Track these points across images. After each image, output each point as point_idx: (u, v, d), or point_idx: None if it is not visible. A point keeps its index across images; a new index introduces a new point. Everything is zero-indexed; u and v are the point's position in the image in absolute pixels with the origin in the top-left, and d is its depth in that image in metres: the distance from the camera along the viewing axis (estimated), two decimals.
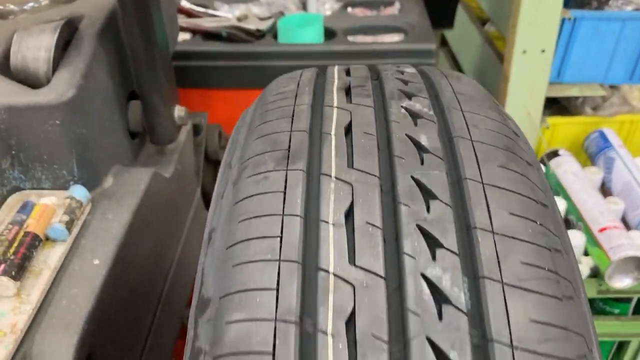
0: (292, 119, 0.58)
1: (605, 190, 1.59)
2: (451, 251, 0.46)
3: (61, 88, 0.75)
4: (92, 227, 0.76)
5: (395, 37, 1.42)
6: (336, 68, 0.71)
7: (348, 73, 0.68)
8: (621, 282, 1.34)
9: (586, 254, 1.40)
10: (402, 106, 0.58)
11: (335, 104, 0.60)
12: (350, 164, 0.52)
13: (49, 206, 0.75)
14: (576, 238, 1.40)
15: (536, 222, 0.48)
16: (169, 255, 0.96)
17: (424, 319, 0.42)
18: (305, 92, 0.63)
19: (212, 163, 1.35)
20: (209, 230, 0.55)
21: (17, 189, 0.80)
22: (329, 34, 1.48)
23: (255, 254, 0.46)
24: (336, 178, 0.50)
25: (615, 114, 1.71)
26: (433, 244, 0.46)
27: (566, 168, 1.55)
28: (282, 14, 1.62)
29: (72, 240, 0.73)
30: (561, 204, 1.48)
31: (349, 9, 1.66)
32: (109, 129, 0.86)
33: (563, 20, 1.53)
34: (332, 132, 0.56)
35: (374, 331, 0.42)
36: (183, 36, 1.50)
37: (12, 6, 0.94)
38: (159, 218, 0.89)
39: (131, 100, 0.94)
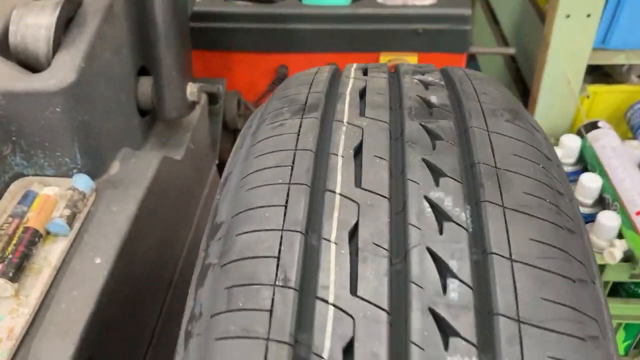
0: (311, 85, 0.62)
1: None
2: (454, 179, 0.48)
3: (61, 73, 0.71)
4: (96, 221, 0.72)
5: (427, 0, 1.32)
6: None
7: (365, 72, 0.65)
8: None
9: (620, 236, 1.33)
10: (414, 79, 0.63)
11: (352, 75, 0.64)
12: (362, 114, 0.56)
13: (50, 197, 0.72)
14: (610, 219, 1.33)
15: (539, 165, 0.52)
16: (180, 239, 0.93)
17: (425, 233, 0.44)
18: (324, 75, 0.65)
19: (231, 132, 1.30)
20: (226, 174, 0.58)
21: (20, 175, 0.77)
22: None
23: (267, 180, 0.49)
24: (348, 123, 0.54)
25: None
26: (437, 174, 0.48)
27: (605, 142, 1.46)
28: None
29: (74, 236, 0.70)
30: (596, 181, 1.40)
31: None
32: (116, 110, 0.81)
33: None
34: (347, 93, 0.60)
35: (375, 241, 0.43)
36: None
37: None
38: (169, 204, 0.86)
39: (141, 76, 0.89)
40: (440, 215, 0.46)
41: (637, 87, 1.60)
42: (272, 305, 0.40)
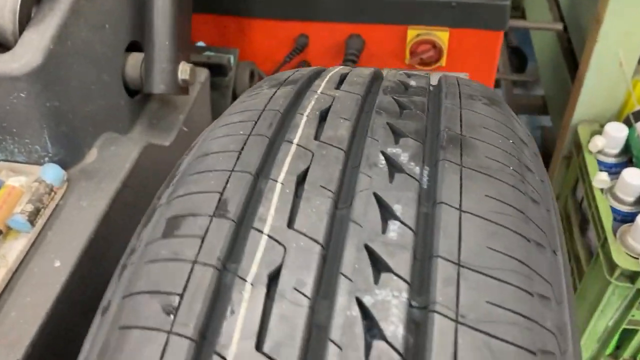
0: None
1: None
2: (414, 139, 0.49)
3: (26, 55, 0.64)
4: (62, 217, 0.67)
5: None
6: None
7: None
8: None
9: None
10: None
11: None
12: (337, 87, 0.58)
13: (15, 189, 0.67)
14: None
15: (508, 140, 0.52)
16: None
17: (375, 180, 0.44)
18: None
19: None
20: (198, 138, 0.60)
21: None
22: None
23: (229, 132, 0.52)
24: (321, 92, 0.56)
25: None
26: (398, 135, 0.49)
27: None
28: None
29: (37, 234, 0.65)
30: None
31: None
32: (96, 92, 0.74)
33: None
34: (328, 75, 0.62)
35: (322, 184, 0.44)
36: None
37: None
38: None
39: (130, 52, 0.81)
40: (394, 168, 0.46)
41: None
42: (205, 233, 0.41)
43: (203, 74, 0.94)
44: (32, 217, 0.65)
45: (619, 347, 1.44)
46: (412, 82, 0.60)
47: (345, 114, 0.52)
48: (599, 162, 1.39)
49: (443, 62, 1.21)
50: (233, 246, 0.41)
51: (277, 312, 0.37)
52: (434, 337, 0.35)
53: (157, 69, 0.80)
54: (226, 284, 0.39)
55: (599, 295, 1.34)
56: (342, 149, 0.48)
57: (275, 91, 0.57)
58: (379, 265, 0.39)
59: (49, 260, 0.63)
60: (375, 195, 0.43)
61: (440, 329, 0.36)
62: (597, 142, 1.37)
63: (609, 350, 1.42)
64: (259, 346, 0.35)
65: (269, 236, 0.41)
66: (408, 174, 0.45)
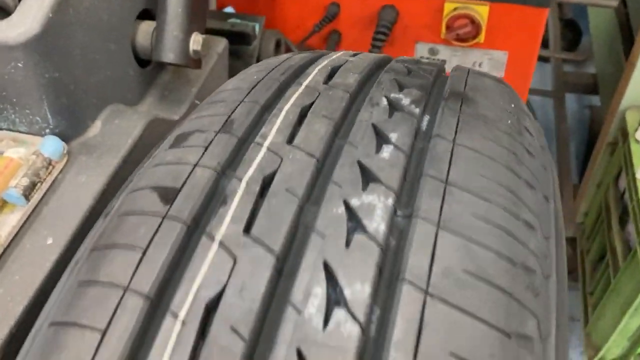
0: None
1: None
2: (417, 90, 0.51)
3: (23, 23, 0.61)
4: (59, 192, 0.65)
5: None
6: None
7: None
8: None
9: None
10: None
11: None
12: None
13: (13, 161, 0.65)
14: None
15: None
16: None
17: (374, 114, 0.47)
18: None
19: None
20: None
21: None
22: None
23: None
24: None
25: None
26: (403, 86, 0.52)
27: None
28: None
29: (32, 209, 0.64)
30: None
31: None
32: (102, 63, 0.72)
33: None
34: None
35: (324, 114, 0.47)
36: None
37: None
38: None
39: (141, 21, 0.78)
40: (394, 108, 0.48)
41: None
42: (209, 144, 0.45)
43: (221, 44, 0.91)
44: (28, 192, 0.63)
45: None
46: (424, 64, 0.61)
47: (356, 70, 0.54)
48: None
49: (481, 38, 1.13)
50: (234, 157, 0.45)
51: (267, 206, 0.39)
52: (414, 239, 0.37)
53: (167, 36, 0.76)
54: (223, 185, 0.42)
55: (634, 292, 1.27)
56: (347, 92, 0.51)
57: (261, 79, 0.56)
58: (368, 177, 0.41)
59: (42, 237, 0.62)
60: (373, 125, 0.46)
61: (421, 232, 0.37)
62: None
63: None
64: (247, 230, 0.38)
65: (268, 149, 0.44)
66: (407, 113, 0.48)
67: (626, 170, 1.32)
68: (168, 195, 0.41)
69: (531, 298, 0.37)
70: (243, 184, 0.41)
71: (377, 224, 0.38)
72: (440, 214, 0.38)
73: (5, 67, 0.63)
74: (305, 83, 0.52)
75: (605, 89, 1.84)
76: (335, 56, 0.60)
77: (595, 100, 2.14)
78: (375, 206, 0.39)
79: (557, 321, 0.40)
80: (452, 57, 1.19)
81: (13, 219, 0.63)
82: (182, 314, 0.34)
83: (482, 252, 0.37)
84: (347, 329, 0.33)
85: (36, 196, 0.64)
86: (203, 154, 0.44)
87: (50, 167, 0.66)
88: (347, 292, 0.34)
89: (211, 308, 0.34)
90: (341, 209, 0.39)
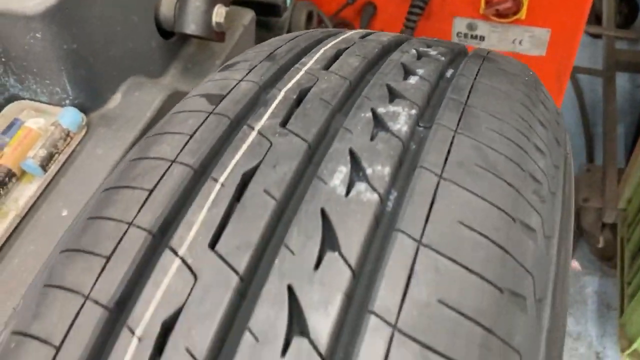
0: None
1: None
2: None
3: None
4: (76, 164, 0.66)
5: None
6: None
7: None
8: None
9: None
10: None
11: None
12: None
13: (32, 131, 0.66)
14: None
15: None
16: None
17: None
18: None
19: None
20: None
21: (17, 97, 0.71)
22: None
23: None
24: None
25: None
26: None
27: None
28: None
29: (48, 180, 0.64)
30: None
31: None
32: (123, 34, 0.71)
33: None
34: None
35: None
36: None
37: None
38: None
39: None
40: (421, 55, 0.52)
41: None
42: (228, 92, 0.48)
43: (247, 16, 0.89)
44: (45, 162, 0.64)
45: None
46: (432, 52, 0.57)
47: (360, 52, 0.53)
48: None
49: (522, 14, 1.08)
50: (276, 77, 0.49)
51: (302, 109, 0.44)
52: (433, 139, 0.41)
53: (190, 8, 0.75)
54: (264, 95, 0.47)
55: None
56: (381, 43, 0.55)
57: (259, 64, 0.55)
58: (395, 94, 0.45)
59: (57, 208, 0.62)
60: (402, 63, 0.50)
61: (439, 135, 0.41)
62: None
63: None
64: (283, 124, 0.43)
65: (307, 72, 0.48)
66: (434, 59, 0.51)
67: None
68: (214, 100, 0.47)
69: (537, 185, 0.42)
70: (282, 93, 0.46)
71: (400, 126, 0.42)
72: (458, 124, 0.42)
73: (24, 38, 0.63)
74: (342, 37, 0.57)
75: None
76: (346, 34, 0.61)
77: None
78: (399, 114, 0.43)
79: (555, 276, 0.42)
80: (491, 34, 1.14)
81: (31, 189, 0.64)
82: (221, 179, 0.39)
83: (493, 153, 0.41)
84: (366, 196, 0.37)
85: (53, 167, 0.65)
86: (247, 73, 0.49)
87: (69, 139, 0.66)
88: (369, 171, 0.38)
89: (247, 178, 0.39)
90: (369, 114, 0.43)
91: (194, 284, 0.34)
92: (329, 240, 0.35)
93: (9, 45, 0.64)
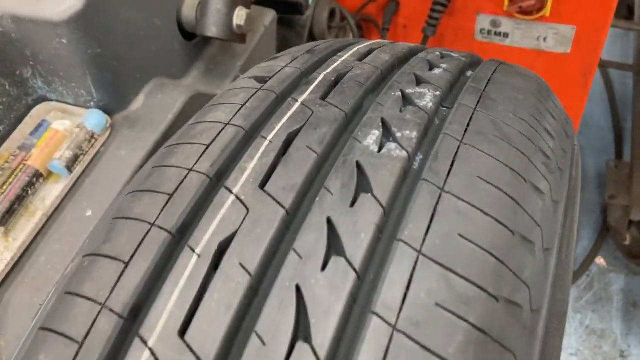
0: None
1: None
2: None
3: (66, 1, 0.63)
4: (100, 165, 0.68)
5: None
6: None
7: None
8: None
9: None
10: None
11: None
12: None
13: (58, 133, 0.68)
14: None
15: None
16: None
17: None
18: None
19: None
20: None
21: (45, 99, 0.73)
22: None
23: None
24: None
25: None
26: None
27: None
28: None
29: (74, 181, 0.66)
30: None
31: None
32: (146, 37, 0.73)
33: None
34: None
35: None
36: None
37: None
38: None
39: None
40: (444, 56, 0.57)
41: None
42: (274, 74, 0.54)
43: (268, 16, 0.90)
44: (70, 164, 0.66)
45: None
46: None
47: (390, 51, 0.59)
48: None
49: (547, 11, 1.07)
50: (316, 66, 0.55)
51: (340, 88, 0.50)
52: (455, 115, 0.47)
53: (211, 10, 0.76)
54: (306, 78, 0.53)
55: None
56: (409, 46, 0.60)
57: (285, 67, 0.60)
58: (422, 80, 0.52)
59: (82, 208, 0.65)
60: (427, 60, 0.56)
61: (461, 112, 0.47)
62: None
63: None
64: (323, 98, 0.49)
65: (343, 62, 0.55)
66: (456, 58, 0.58)
67: None
68: (262, 80, 0.53)
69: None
70: (321, 76, 0.52)
71: (426, 102, 0.48)
72: (477, 104, 0.48)
73: (51, 43, 0.65)
74: (374, 41, 0.63)
75: None
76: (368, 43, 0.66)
77: None
78: (425, 94, 0.49)
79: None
80: (515, 30, 1.13)
81: (57, 189, 0.66)
82: (270, 136, 0.45)
83: (507, 128, 0.46)
84: (396, 153, 0.42)
85: (78, 168, 0.67)
86: (291, 62, 0.55)
87: (93, 140, 0.68)
88: (398, 135, 0.44)
89: (292, 136, 0.45)
90: (398, 94, 0.49)
91: (246, 215, 0.39)
92: (363, 186, 0.40)
93: (37, 50, 0.66)
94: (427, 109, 0.47)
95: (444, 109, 0.49)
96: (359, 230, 0.37)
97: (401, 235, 0.37)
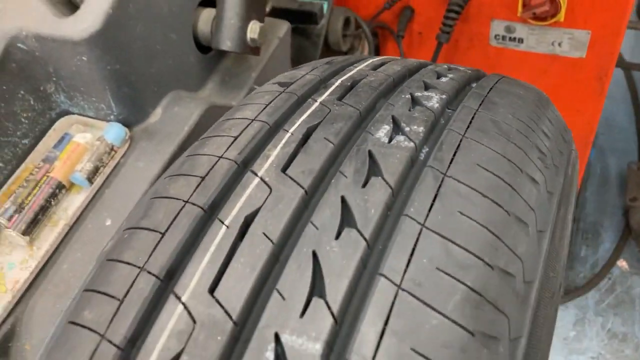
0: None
1: None
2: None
3: (85, 20, 0.66)
4: (120, 176, 0.71)
5: None
6: None
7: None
8: None
9: None
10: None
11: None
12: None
13: (79, 146, 0.71)
14: None
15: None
16: None
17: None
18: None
19: (335, 54, 1.19)
20: None
21: (67, 112, 0.76)
22: None
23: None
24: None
25: None
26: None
27: None
28: None
29: (94, 192, 0.69)
30: None
31: None
32: (162, 52, 0.75)
33: None
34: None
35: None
36: None
37: None
38: None
39: (202, 8, 0.81)
40: (449, 68, 0.61)
41: None
42: (296, 80, 0.59)
43: (282, 28, 0.92)
44: (91, 175, 0.69)
45: None
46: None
47: (402, 63, 0.63)
48: None
49: (561, 17, 1.07)
50: (334, 73, 0.60)
51: (355, 91, 0.55)
52: (459, 114, 0.51)
53: (225, 25, 0.79)
54: (325, 84, 0.58)
55: None
56: (419, 61, 0.65)
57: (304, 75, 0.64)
58: (429, 85, 0.56)
59: (102, 218, 0.67)
60: (435, 71, 0.60)
61: (464, 112, 0.51)
62: None
63: None
64: (340, 99, 0.54)
65: (358, 70, 0.60)
66: (462, 70, 0.62)
67: None
68: (285, 85, 0.58)
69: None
70: (339, 81, 0.57)
71: (433, 103, 0.52)
72: (479, 106, 0.52)
73: (72, 60, 0.68)
74: (389, 56, 0.69)
75: None
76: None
77: None
78: (432, 97, 0.53)
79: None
80: (530, 36, 1.14)
81: (78, 199, 0.69)
82: (291, 130, 0.50)
83: (506, 126, 0.50)
84: (404, 144, 0.47)
85: (99, 179, 0.70)
86: (311, 70, 0.60)
87: (113, 152, 0.71)
88: (407, 129, 0.48)
89: (311, 130, 0.49)
90: (408, 96, 0.53)
91: (269, 194, 0.44)
92: (374, 170, 0.45)
93: (59, 66, 0.70)
94: (433, 108, 0.52)
95: (450, 110, 0.53)
96: (369, 207, 0.41)
97: (407, 212, 0.41)
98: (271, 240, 0.40)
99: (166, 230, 0.43)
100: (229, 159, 0.48)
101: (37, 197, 0.67)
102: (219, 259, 0.40)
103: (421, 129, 0.49)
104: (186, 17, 0.79)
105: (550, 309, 0.54)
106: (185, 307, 0.38)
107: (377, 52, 1.32)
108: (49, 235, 0.67)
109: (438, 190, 0.43)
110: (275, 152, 0.47)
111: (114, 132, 0.72)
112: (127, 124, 0.74)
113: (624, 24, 1.07)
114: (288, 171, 0.45)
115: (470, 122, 0.50)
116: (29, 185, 0.68)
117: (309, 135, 0.49)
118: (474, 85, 0.60)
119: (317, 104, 0.53)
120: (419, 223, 0.40)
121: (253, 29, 0.80)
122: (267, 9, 1.01)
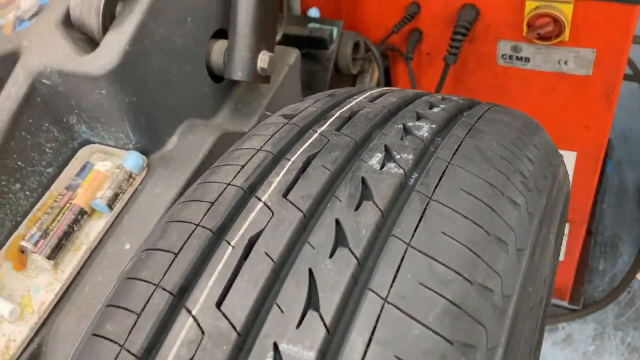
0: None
1: None
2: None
3: (104, 57, 0.70)
4: (138, 202, 0.75)
5: None
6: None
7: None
8: None
9: None
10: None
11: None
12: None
13: (100, 174, 0.75)
14: None
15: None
16: None
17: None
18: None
19: (346, 77, 1.22)
20: None
21: (88, 141, 0.81)
22: None
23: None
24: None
25: None
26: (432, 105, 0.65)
27: None
28: None
29: (114, 217, 0.73)
30: None
31: None
32: (177, 83, 0.80)
33: None
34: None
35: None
36: None
37: None
38: None
39: (215, 40, 0.85)
40: (432, 105, 0.63)
41: None
42: (300, 112, 0.64)
43: (292, 55, 0.96)
44: (111, 202, 0.73)
45: None
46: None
47: (399, 94, 0.67)
48: None
49: (565, 36, 1.09)
50: (334, 106, 0.64)
51: (353, 121, 0.59)
52: (446, 143, 0.55)
53: (237, 56, 0.82)
54: (326, 115, 0.62)
55: None
56: (412, 93, 0.69)
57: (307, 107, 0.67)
58: (421, 116, 0.59)
59: (121, 242, 0.71)
60: (428, 101, 0.64)
61: (451, 140, 0.55)
62: None
63: None
64: (338, 129, 0.58)
65: (357, 103, 0.64)
66: (452, 100, 0.65)
67: None
68: (289, 116, 0.62)
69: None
70: (338, 113, 0.61)
71: (423, 133, 0.56)
72: (466, 134, 0.56)
73: (92, 94, 0.72)
74: (389, 87, 0.74)
75: None
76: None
77: None
78: (423, 126, 0.57)
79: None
80: (536, 55, 1.16)
81: (99, 224, 0.73)
82: (292, 159, 0.54)
83: (490, 153, 0.54)
84: (394, 170, 0.51)
85: (118, 205, 0.74)
86: (313, 103, 0.65)
87: (131, 180, 0.75)
88: (397, 157, 0.52)
89: (310, 159, 0.53)
90: (400, 126, 0.57)
91: (271, 217, 0.48)
92: (366, 195, 0.49)
93: (80, 100, 0.74)
94: (423, 137, 0.55)
95: (439, 139, 0.57)
96: (361, 228, 0.45)
97: (394, 232, 0.45)
98: (272, 259, 0.45)
99: (179, 251, 0.48)
100: (236, 186, 0.52)
101: (61, 223, 0.71)
102: (226, 276, 0.44)
103: (411, 156, 0.52)
104: (200, 50, 0.83)
105: (530, 321, 0.56)
106: (195, 320, 0.42)
107: (387, 73, 1.36)
108: (72, 259, 0.71)
109: (423, 212, 0.46)
110: (277, 179, 0.52)
111: (132, 160, 0.76)
112: (145, 151, 0.78)
113: (628, 41, 1.09)
114: (289, 196, 0.50)
115: (457, 150, 0.53)
116: (53, 212, 0.73)
117: (308, 163, 0.53)
118: (465, 114, 0.64)
119: (317, 134, 0.57)
120: (405, 242, 0.44)
121: (263, 59, 0.84)
122: (279, 36, 1.05)
